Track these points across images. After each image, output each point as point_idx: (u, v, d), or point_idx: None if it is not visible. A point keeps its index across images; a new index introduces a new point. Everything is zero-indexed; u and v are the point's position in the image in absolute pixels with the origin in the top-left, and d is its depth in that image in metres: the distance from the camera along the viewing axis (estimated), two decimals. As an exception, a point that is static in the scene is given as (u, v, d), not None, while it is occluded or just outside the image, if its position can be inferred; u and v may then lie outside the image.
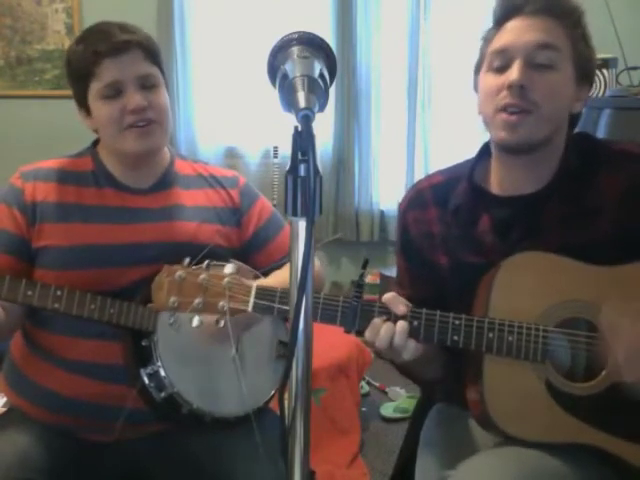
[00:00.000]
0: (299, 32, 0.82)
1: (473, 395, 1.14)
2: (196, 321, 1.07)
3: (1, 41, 3.61)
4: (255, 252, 1.47)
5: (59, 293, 1.26)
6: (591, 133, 1.30)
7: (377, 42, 3.50)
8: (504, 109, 1.15)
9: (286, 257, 1.43)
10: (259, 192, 1.54)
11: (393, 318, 1.10)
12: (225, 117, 3.58)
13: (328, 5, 3.46)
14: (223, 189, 1.47)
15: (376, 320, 1.10)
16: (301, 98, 0.72)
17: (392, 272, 3.28)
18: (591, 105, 2.15)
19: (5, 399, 1.58)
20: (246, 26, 3.47)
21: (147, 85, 1.34)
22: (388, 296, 1.12)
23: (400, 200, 1.39)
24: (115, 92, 1.31)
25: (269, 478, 1.28)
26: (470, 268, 1.21)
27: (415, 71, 3.52)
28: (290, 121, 0.71)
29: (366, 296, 1.12)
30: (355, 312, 1.10)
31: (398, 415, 2.72)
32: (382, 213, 3.69)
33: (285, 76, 0.77)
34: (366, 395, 2.91)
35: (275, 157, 3.58)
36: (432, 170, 1.43)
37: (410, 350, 1.10)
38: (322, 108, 0.74)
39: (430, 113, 3.57)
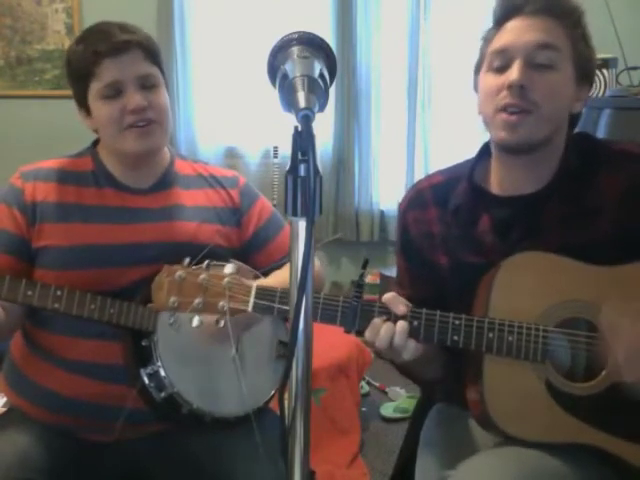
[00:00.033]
0: (299, 32, 0.82)
1: (473, 395, 1.14)
2: (196, 321, 1.07)
3: (1, 41, 3.62)
4: (255, 252, 1.47)
5: (59, 293, 1.26)
6: (591, 133, 1.30)
7: (377, 42, 3.50)
8: (504, 109, 1.15)
9: (286, 257, 1.43)
10: (259, 192, 1.54)
11: (393, 318, 1.10)
12: (225, 117, 3.58)
13: (328, 5, 3.46)
14: (223, 189, 1.47)
15: (376, 320, 1.10)
16: (301, 98, 0.72)
17: (392, 272, 3.28)
18: (591, 105, 2.15)
19: (5, 399, 1.58)
20: (246, 26, 3.47)
21: (147, 85, 1.34)
22: (388, 296, 1.12)
23: (400, 200, 1.39)
24: (115, 92, 1.31)
25: (269, 478, 1.28)
26: (470, 268, 1.21)
27: (415, 71, 3.52)
28: (290, 121, 0.71)
29: (366, 296, 1.12)
30: (355, 312, 1.10)
31: (398, 415, 2.72)
32: (382, 213, 3.69)
33: (285, 76, 0.77)
34: (366, 395, 2.91)
35: (275, 157, 3.58)
36: (432, 170, 1.43)
37: (410, 350, 1.10)
38: (322, 108, 0.73)
39: (430, 113, 3.57)
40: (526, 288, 1.14)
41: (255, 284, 1.09)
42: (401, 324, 1.09)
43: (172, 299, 1.06)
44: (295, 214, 0.73)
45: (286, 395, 0.78)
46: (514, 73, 1.14)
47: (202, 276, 1.06)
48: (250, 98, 3.50)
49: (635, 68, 2.63)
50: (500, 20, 1.19)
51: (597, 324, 1.12)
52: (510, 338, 1.10)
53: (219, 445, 1.34)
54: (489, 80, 1.19)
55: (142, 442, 1.37)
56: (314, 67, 0.78)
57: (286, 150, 0.74)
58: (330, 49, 0.82)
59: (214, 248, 1.29)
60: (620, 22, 2.70)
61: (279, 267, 1.44)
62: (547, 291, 1.13)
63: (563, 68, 1.16)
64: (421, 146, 3.59)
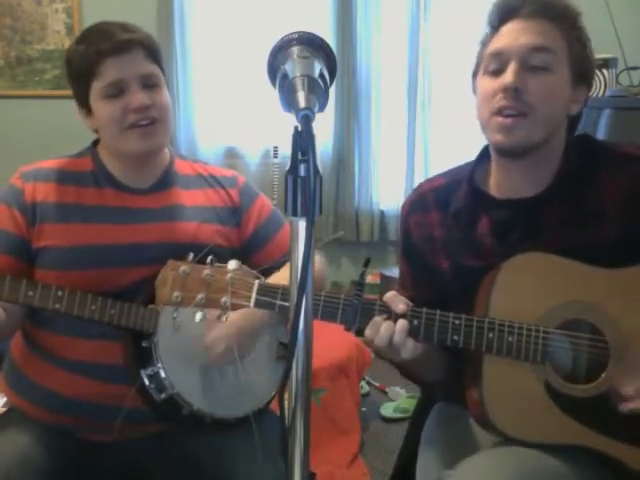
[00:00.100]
0: (299, 32, 0.82)
1: (473, 395, 1.14)
2: (199, 316, 1.08)
3: (1, 41, 3.61)
4: (255, 251, 1.47)
5: (60, 294, 1.26)
6: (591, 133, 1.30)
7: (377, 42, 3.50)
8: (499, 112, 1.15)
9: (286, 256, 1.43)
10: (259, 191, 1.54)
11: (393, 317, 1.10)
12: (225, 117, 3.58)
13: (328, 5, 3.46)
14: (222, 189, 1.47)
15: (376, 318, 1.10)
16: (301, 98, 0.72)
17: (392, 272, 3.28)
18: (591, 105, 2.15)
19: (5, 399, 1.58)
20: (246, 26, 3.47)
21: (149, 84, 1.34)
22: (389, 295, 1.12)
23: (402, 202, 1.39)
24: (117, 91, 1.31)
25: (269, 478, 1.28)
26: (470, 272, 1.21)
27: (415, 71, 3.52)
28: (290, 121, 0.71)
29: (366, 296, 1.12)
30: (356, 310, 1.10)
31: (398, 415, 2.72)
32: (382, 213, 3.69)
33: (285, 76, 0.77)
34: (366, 395, 2.91)
35: (275, 157, 3.58)
36: (432, 170, 1.43)
37: (409, 349, 1.10)
38: (322, 108, 0.73)
39: (430, 113, 3.57)
40: (527, 289, 1.14)
41: (257, 280, 1.10)
42: (401, 322, 1.09)
43: (175, 294, 1.06)
44: (295, 214, 0.73)
45: (286, 395, 0.78)
46: (508, 76, 1.14)
47: (206, 271, 1.07)
48: (250, 98, 3.50)
49: (635, 68, 2.63)
50: (496, 23, 1.19)
51: (599, 327, 1.12)
52: (510, 338, 1.10)
53: (219, 446, 1.34)
54: (485, 83, 1.19)
55: (142, 442, 1.37)
56: (314, 67, 0.78)
57: (286, 150, 0.74)
58: (330, 49, 0.82)
59: (214, 248, 1.29)
60: (620, 22, 2.70)
61: (279, 266, 1.44)
62: (548, 292, 1.13)
63: (559, 70, 1.15)
64: (421, 146, 3.59)
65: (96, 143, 1.44)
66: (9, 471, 1.22)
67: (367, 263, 1.12)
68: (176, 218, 1.40)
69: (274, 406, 1.44)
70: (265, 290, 1.09)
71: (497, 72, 1.17)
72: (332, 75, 0.81)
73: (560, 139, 1.21)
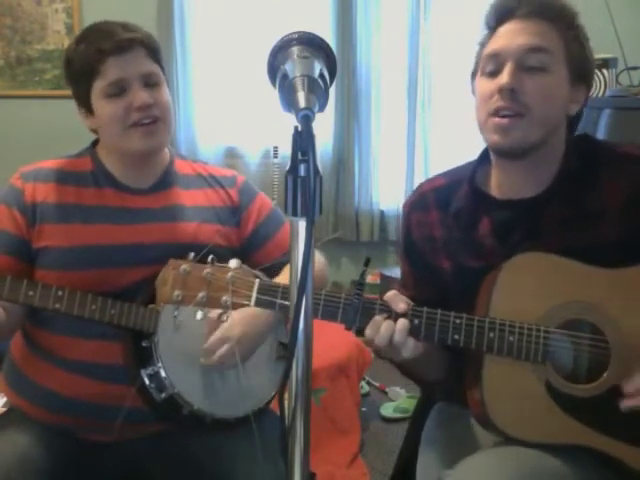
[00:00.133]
0: (299, 32, 0.82)
1: (473, 395, 1.14)
2: (200, 315, 1.08)
3: (1, 41, 3.61)
4: (255, 250, 1.47)
5: (60, 293, 1.26)
6: (591, 133, 1.30)
7: (377, 42, 3.50)
8: (496, 113, 1.15)
9: (286, 255, 1.43)
10: (258, 190, 1.54)
11: (394, 316, 1.10)
12: (225, 117, 3.58)
13: (328, 5, 3.46)
14: (222, 189, 1.47)
15: (377, 317, 1.10)
16: (301, 98, 0.72)
17: (392, 272, 3.28)
18: (591, 105, 2.15)
19: (5, 399, 1.58)
20: (246, 26, 3.47)
21: (150, 83, 1.34)
22: (389, 294, 1.12)
23: (402, 202, 1.39)
24: (119, 90, 1.31)
25: (269, 478, 1.28)
26: (471, 272, 1.21)
27: (415, 71, 3.52)
28: (290, 121, 0.71)
29: (366, 296, 1.12)
30: (356, 309, 1.10)
31: (398, 415, 2.72)
32: (382, 213, 3.69)
33: (285, 76, 0.77)
34: (366, 395, 2.91)
35: (275, 157, 3.58)
36: (432, 170, 1.44)
37: (409, 348, 1.10)
38: (322, 108, 0.73)
39: (430, 113, 3.57)
40: (528, 289, 1.14)
41: (258, 279, 1.10)
42: (402, 322, 1.09)
43: (176, 292, 1.07)
44: (295, 214, 0.73)
45: (286, 395, 0.78)
46: (505, 77, 1.14)
47: (206, 270, 1.07)
48: (250, 98, 3.50)
49: (635, 68, 2.63)
50: (493, 24, 1.19)
51: (600, 327, 1.12)
52: (511, 338, 1.10)
53: (219, 446, 1.34)
54: (482, 84, 1.19)
55: (142, 442, 1.37)
56: (314, 67, 0.78)
57: (286, 150, 0.74)
58: (330, 49, 0.82)
59: (214, 248, 1.29)
60: (620, 22, 2.70)
61: (280, 265, 1.44)
62: (549, 292, 1.13)
63: (556, 70, 1.15)
64: (421, 146, 3.59)
65: (95, 143, 1.44)
66: (9, 471, 1.22)
67: (367, 263, 1.12)
68: (176, 218, 1.40)
69: (274, 406, 1.44)
70: (266, 289, 1.09)
71: (494, 73, 1.17)
72: (332, 75, 0.81)
73: (560, 139, 1.21)
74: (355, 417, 2.50)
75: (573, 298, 1.13)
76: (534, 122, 1.14)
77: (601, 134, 2.28)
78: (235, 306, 1.08)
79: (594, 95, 2.54)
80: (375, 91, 3.55)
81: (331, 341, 2.32)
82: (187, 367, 1.31)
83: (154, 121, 1.33)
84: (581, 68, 1.18)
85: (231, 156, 3.61)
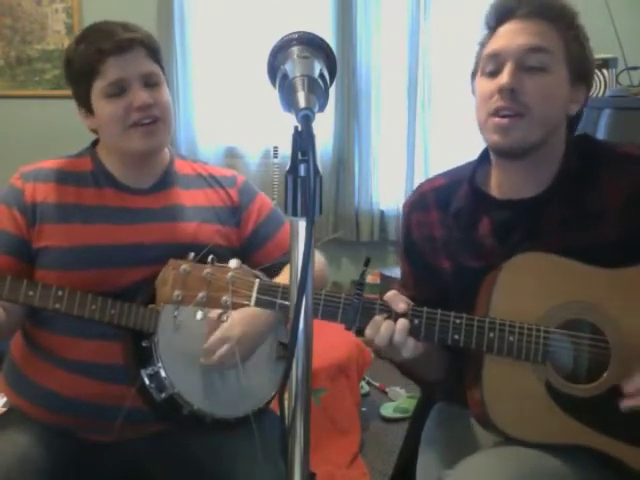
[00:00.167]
0: (299, 32, 0.82)
1: (473, 395, 1.14)
2: (200, 315, 1.08)
3: (1, 41, 3.61)
4: (255, 250, 1.47)
5: (60, 293, 1.26)
6: (591, 133, 1.30)
7: (377, 42, 3.50)
8: (496, 113, 1.15)
9: (286, 255, 1.43)
10: (258, 190, 1.54)
11: (394, 316, 1.10)
12: (225, 117, 3.58)
13: (328, 5, 3.46)
14: (222, 189, 1.47)
15: (377, 317, 1.10)
16: (301, 98, 0.72)
17: (392, 272, 3.28)
18: (591, 105, 2.15)
19: (5, 399, 1.58)
20: (246, 26, 3.47)
21: (150, 83, 1.34)
22: (389, 294, 1.12)
23: (402, 202, 1.39)
24: (119, 90, 1.31)
25: (269, 478, 1.28)
26: (471, 272, 1.21)
27: (415, 71, 3.52)
28: (290, 121, 0.71)
29: (366, 296, 1.12)
30: (356, 309, 1.10)
31: (398, 415, 2.72)
32: (382, 213, 3.69)
33: (285, 76, 0.77)
34: (366, 395, 2.91)
35: (275, 157, 3.58)
36: (432, 170, 1.44)
37: (409, 348, 1.10)
38: (322, 108, 0.73)
39: (430, 113, 3.57)
40: (528, 289, 1.14)
41: (258, 279, 1.10)
42: (402, 322, 1.09)
43: (176, 292, 1.07)
44: (295, 214, 0.73)
45: (286, 395, 0.78)
46: (504, 77, 1.14)
47: (206, 270, 1.07)
48: (250, 98, 3.50)
49: (635, 68, 2.63)
50: (493, 24, 1.19)
51: (600, 327, 1.12)
52: (511, 338, 1.10)
53: (219, 445, 1.34)
54: (482, 85, 1.19)
55: (142, 442, 1.37)
56: (314, 67, 0.78)
57: (286, 150, 0.74)
58: (330, 49, 0.82)
59: (214, 248, 1.29)
60: (620, 22, 2.70)
61: (280, 265, 1.44)
62: (549, 292, 1.13)
63: (556, 70, 1.15)
64: (421, 146, 3.59)
65: (95, 143, 1.44)
66: (9, 471, 1.22)
67: (367, 263, 1.12)
68: (176, 218, 1.40)
69: (274, 406, 1.44)
70: (266, 289, 1.09)
71: (494, 73, 1.17)
72: (332, 75, 0.81)
73: (560, 139, 1.21)
74: (355, 417, 2.50)
75: (573, 298, 1.13)
76: (534, 122, 1.14)
77: (601, 134, 2.28)
78: (235, 306, 1.08)
79: (594, 95, 2.54)
80: (375, 91, 3.55)
81: (331, 341, 2.32)
82: (187, 367, 1.31)
83: (154, 121, 1.33)
84: (581, 68, 1.18)
85: (231, 156, 3.61)
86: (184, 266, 1.07)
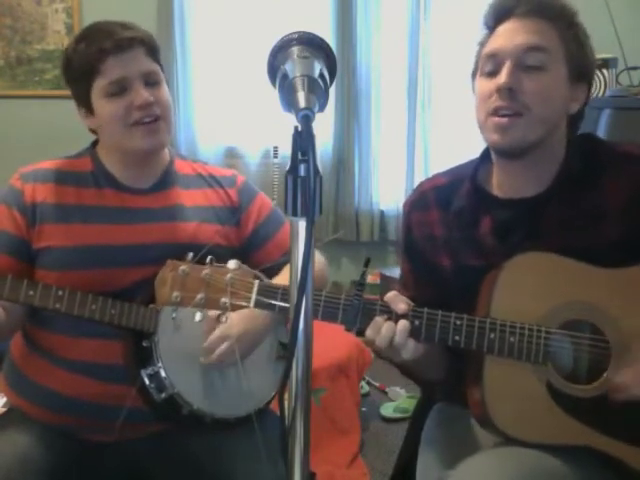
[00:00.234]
0: (299, 32, 0.82)
1: (474, 395, 1.14)
2: (198, 316, 1.08)
3: (1, 41, 3.61)
4: (255, 250, 1.47)
5: (60, 293, 1.26)
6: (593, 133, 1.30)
7: (377, 42, 3.50)
8: (495, 112, 1.15)
9: (286, 255, 1.43)
10: (258, 190, 1.54)
11: (394, 317, 1.10)
12: (225, 117, 3.58)
13: (328, 5, 3.46)
14: (222, 188, 1.47)
15: (378, 318, 1.10)
16: (301, 98, 0.72)
17: (392, 272, 3.28)
18: (591, 105, 2.15)
19: (5, 399, 1.58)
20: (246, 26, 3.47)
21: (150, 82, 1.34)
22: (390, 295, 1.12)
23: (403, 201, 1.39)
24: (120, 89, 1.31)
25: (269, 478, 1.28)
26: (471, 271, 1.21)
27: (415, 71, 3.52)
28: (290, 121, 0.71)
29: (366, 296, 1.11)
30: (357, 310, 1.09)
31: (398, 415, 2.72)
32: (382, 213, 3.69)
33: (285, 76, 0.77)
34: (366, 395, 2.91)
35: (275, 157, 3.58)
36: (432, 170, 1.43)
37: (410, 350, 1.10)
38: (322, 108, 0.73)
39: (430, 113, 3.57)
40: (529, 289, 1.13)
41: (257, 281, 1.10)
42: (402, 323, 1.09)
43: (175, 294, 1.06)
44: (295, 214, 0.73)
45: (286, 395, 0.78)
46: (503, 76, 1.14)
47: (205, 271, 1.07)
48: (250, 98, 3.50)
49: (635, 68, 2.63)
50: (492, 24, 1.19)
51: (600, 327, 1.12)
52: (512, 339, 1.10)
53: (219, 445, 1.34)
54: (482, 84, 1.19)
55: (142, 442, 1.37)
56: (314, 67, 0.78)
57: (286, 150, 0.74)
58: (330, 49, 0.82)
59: (214, 248, 1.29)
60: (620, 22, 2.70)
61: (280, 265, 1.44)
62: (550, 292, 1.13)
63: (554, 69, 1.15)
64: (421, 146, 3.59)
65: (95, 144, 1.44)
66: (9, 471, 1.22)
67: (367, 263, 1.12)
68: (176, 218, 1.40)
69: (274, 406, 1.44)
70: (265, 290, 1.09)
71: (493, 73, 1.17)
72: (332, 75, 0.81)
73: (560, 138, 1.21)
74: (355, 417, 2.50)
75: (574, 298, 1.13)
76: (533, 121, 1.14)
77: (601, 134, 2.28)
78: (234, 308, 1.08)
79: (594, 95, 2.54)
80: (375, 91, 3.55)
81: (331, 341, 2.32)
82: (187, 367, 1.31)
83: (155, 119, 1.33)
84: (581, 66, 1.18)
85: (231, 156, 3.61)
86: (182, 267, 1.06)
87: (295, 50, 0.80)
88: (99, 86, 1.32)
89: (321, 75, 0.78)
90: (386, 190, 3.68)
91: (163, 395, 1.27)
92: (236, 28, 3.49)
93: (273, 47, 0.82)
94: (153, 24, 3.36)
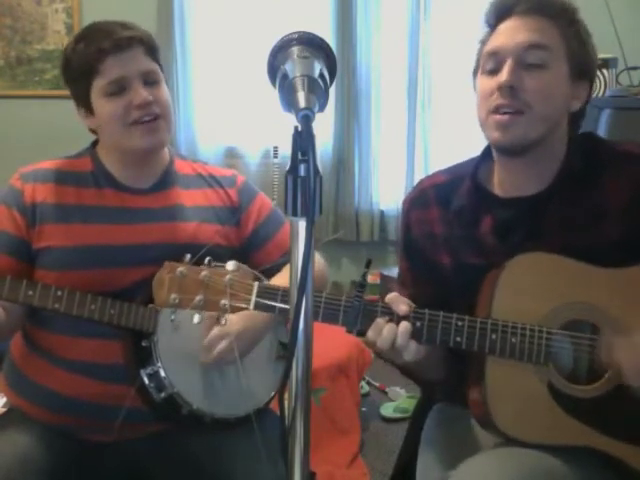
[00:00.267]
0: (299, 32, 0.82)
1: (475, 396, 1.14)
2: (197, 318, 1.07)
3: (1, 41, 3.61)
4: (255, 250, 1.47)
5: (60, 293, 1.26)
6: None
7: (377, 42, 3.50)
8: (496, 110, 1.15)
9: (286, 255, 1.43)
10: (258, 190, 1.54)
11: (396, 319, 1.10)
12: (225, 117, 3.58)
13: (328, 5, 3.46)
14: (221, 188, 1.47)
15: (379, 320, 1.09)
16: (301, 98, 0.72)
17: (392, 272, 3.28)
18: (591, 105, 2.15)
19: (5, 399, 1.58)
20: (246, 26, 3.47)
21: (150, 81, 1.34)
22: (391, 296, 1.11)
23: (403, 199, 1.39)
24: (119, 89, 1.31)
25: (269, 478, 1.28)
26: (471, 269, 1.21)
27: (415, 71, 3.52)
28: (290, 121, 0.71)
29: (366, 296, 1.11)
30: (358, 312, 1.09)
31: (398, 415, 2.72)
32: (382, 213, 3.69)
33: (285, 76, 0.77)
34: (366, 395, 2.90)
35: (275, 157, 3.58)
36: (432, 170, 1.43)
37: (411, 351, 1.10)
38: (322, 108, 0.73)
39: (430, 113, 3.57)
40: (530, 289, 1.13)
41: (257, 282, 1.09)
42: (404, 325, 1.09)
43: (173, 296, 1.06)
44: (295, 214, 0.73)
45: (286, 395, 0.78)
46: (504, 74, 1.14)
47: (204, 273, 1.06)
48: (250, 98, 3.50)
49: (635, 68, 2.63)
50: (493, 22, 1.19)
51: (600, 327, 1.12)
52: (513, 340, 1.10)
53: (219, 445, 1.34)
54: (483, 82, 1.19)
55: (142, 442, 1.37)
56: (314, 67, 0.78)
57: (286, 150, 0.74)
58: (330, 49, 0.82)
59: (214, 248, 1.29)
60: (620, 22, 2.70)
61: (280, 266, 1.44)
62: (551, 292, 1.13)
63: (556, 67, 1.15)
64: (421, 146, 3.59)
65: (95, 144, 1.44)
66: (9, 471, 1.22)
67: (368, 264, 1.11)
68: (176, 218, 1.40)
69: (274, 406, 1.44)
70: (265, 292, 1.08)
71: (494, 71, 1.17)
72: (332, 75, 0.81)
73: (561, 136, 1.21)
74: (355, 417, 2.50)
75: (575, 299, 1.13)
76: (534, 119, 1.14)
77: (601, 134, 2.28)
78: (234, 310, 1.07)
79: (594, 95, 2.54)
80: (375, 91, 3.55)
81: (331, 341, 2.32)
82: (187, 367, 1.30)
83: (155, 118, 1.33)
84: (582, 64, 1.18)
85: (231, 156, 3.61)
86: (180, 269, 1.06)
87: (295, 50, 0.80)
88: (98, 86, 1.32)
89: (321, 75, 0.78)
90: (386, 190, 3.68)
91: (162, 395, 1.27)
92: (236, 28, 3.49)
93: (273, 47, 0.82)
94: (153, 24, 3.36)
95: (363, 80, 3.52)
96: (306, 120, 0.70)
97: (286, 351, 1.14)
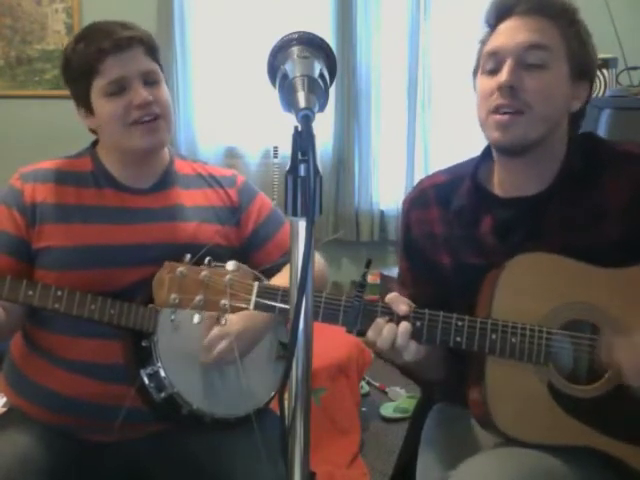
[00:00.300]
0: (299, 32, 0.82)
1: (475, 396, 1.14)
2: (197, 318, 1.07)
3: (1, 41, 3.61)
4: (255, 250, 1.47)
5: (60, 293, 1.26)
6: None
7: (377, 42, 3.50)
8: (496, 110, 1.15)
9: (286, 255, 1.43)
10: (258, 190, 1.54)
11: (396, 319, 1.10)
12: (225, 117, 3.58)
13: (328, 5, 3.46)
14: (221, 188, 1.47)
15: (379, 320, 1.09)
16: (301, 98, 0.72)
17: (392, 272, 3.28)
18: (591, 105, 2.16)
19: (5, 399, 1.58)
20: (246, 26, 3.47)
21: (150, 81, 1.34)
22: (391, 296, 1.11)
23: (403, 199, 1.39)
24: (119, 89, 1.31)
25: (269, 478, 1.28)
26: (471, 269, 1.21)
27: (415, 71, 3.52)
28: (290, 121, 0.71)
29: (366, 296, 1.11)
30: (358, 312, 1.09)
31: (398, 415, 2.72)
32: (382, 213, 3.69)
33: (285, 76, 0.77)
34: (366, 395, 2.91)
35: (275, 157, 3.58)
36: (432, 170, 1.43)
37: (411, 351, 1.10)
38: (322, 108, 0.73)
39: (430, 113, 3.57)
40: (530, 289, 1.13)
41: (257, 282, 1.09)
42: (404, 325, 1.09)
43: (173, 296, 1.06)
44: (295, 214, 0.73)
45: (286, 395, 0.78)
46: (504, 75, 1.14)
47: (203, 273, 1.06)
48: (250, 98, 3.50)
49: (635, 68, 2.64)
50: (493, 22, 1.19)
51: (600, 327, 1.12)
52: (513, 340, 1.10)
53: (219, 445, 1.34)
54: (483, 82, 1.19)
55: (142, 442, 1.37)
56: (314, 67, 0.78)
57: (286, 150, 0.74)
58: (330, 49, 0.82)
59: (214, 248, 1.29)
60: (620, 22, 2.70)
61: (280, 266, 1.44)
62: (551, 292, 1.13)
63: (556, 67, 1.15)
64: (421, 146, 3.59)
65: (95, 144, 1.44)
66: (9, 471, 1.22)
67: (368, 264, 1.11)
68: (176, 218, 1.40)
69: (274, 406, 1.44)
70: (265, 292, 1.08)
71: (494, 71, 1.17)
72: (332, 75, 0.81)
73: (561, 136, 1.21)
74: (355, 417, 2.50)
75: (575, 298, 1.13)
76: (534, 119, 1.14)
77: (601, 134, 2.28)
78: (234, 310, 1.07)
79: (594, 95, 2.54)
80: (375, 91, 3.55)
81: (331, 341, 2.32)
82: (187, 367, 1.30)
83: (155, 118, 1.33)
84: (582, 64, 1.18)
85: (231, 156, 3.61)
86: (180, 269, 1.06)
87: (295, 50, 0.80)
88: (98, 86, 1.32)
89: (321, 75, 0.78)
90: (386, 190, 3.68)
91: (162, 395, 1.27)
92: (236, 28, 3.49)
93: (273, 47, 0.82)
94: (153, 24, 3.36)
95: (363, 80, 3.52)
96: (306, 120, 0.70)
97: (286, 351, 1.15)
